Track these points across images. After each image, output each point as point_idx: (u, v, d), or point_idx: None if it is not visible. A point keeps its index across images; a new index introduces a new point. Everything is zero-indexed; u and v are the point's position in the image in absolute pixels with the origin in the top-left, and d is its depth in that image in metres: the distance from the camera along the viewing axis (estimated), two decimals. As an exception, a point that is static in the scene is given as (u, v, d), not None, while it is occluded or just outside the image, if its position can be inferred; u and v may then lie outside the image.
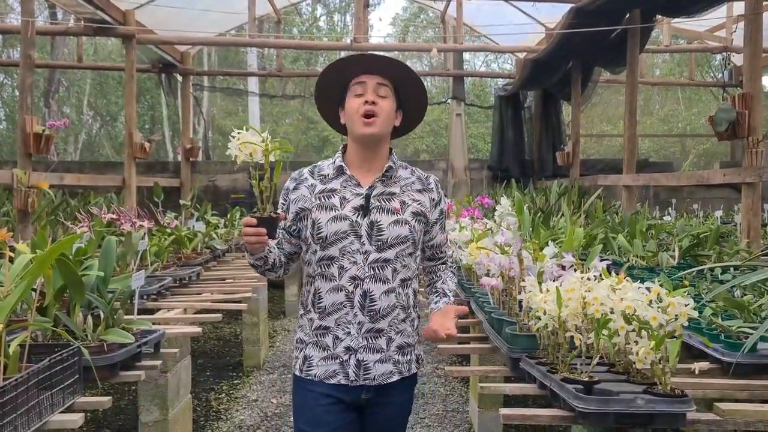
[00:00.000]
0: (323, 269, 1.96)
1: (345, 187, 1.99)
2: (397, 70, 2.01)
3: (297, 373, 2.01)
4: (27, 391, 1.88)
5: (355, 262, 1.93)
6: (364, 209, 1.95)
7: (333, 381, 1.93)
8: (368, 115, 1.94)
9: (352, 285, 1.93)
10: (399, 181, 2.02)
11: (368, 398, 1.96)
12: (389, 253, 1.94)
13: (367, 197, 1.96)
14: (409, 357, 2.02)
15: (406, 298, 2.00)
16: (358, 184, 1.99)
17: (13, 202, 5.51)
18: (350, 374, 1.92)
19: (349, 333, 1.93)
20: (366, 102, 1.94)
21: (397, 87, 2.03)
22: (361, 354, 1.93)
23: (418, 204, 2.01)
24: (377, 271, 1.93)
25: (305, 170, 2.08)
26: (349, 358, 1.93)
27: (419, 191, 2.03)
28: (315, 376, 1.95)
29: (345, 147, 2.07)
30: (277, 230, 1.96)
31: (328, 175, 2.02)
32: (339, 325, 1.94)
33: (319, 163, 2.10)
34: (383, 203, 1.96)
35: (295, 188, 2.04)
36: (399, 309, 1.97)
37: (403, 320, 1.99)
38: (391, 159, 2.03)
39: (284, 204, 2.06)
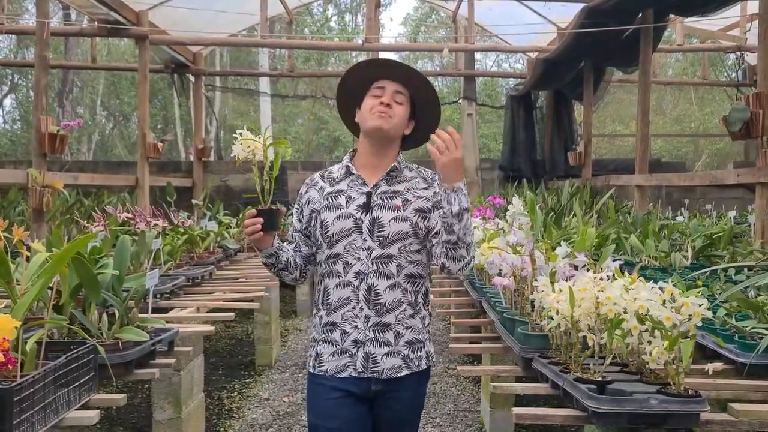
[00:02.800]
0: (330, 266, 2.04)
1: (351, 186, 2.07)
2: (416, 81, 2.08)
3: (310, 369, 2.08)
4: (43, 388, 1.90)
5: (358, 258, 2.00)
6: (366, 206, 2.02)
7: (344, 375, 1.99)
8: (381, 111, 2.01)
9: (357, 280, 2.00)
10: (404, 180, 2.09)
11: (378, 390, 2.00)
12: (392, 249, 2.00)
13: (369, 194, 2.04)
14: (419, 353, 2.06)
15: (414, 294, 2.05)
16: (364, 183, 2.07)
17: (28, 201, 5.56)
18: (358, 366, 1.98)
19: (356, 327, 1.99)
20: (382, 103, 2.02)
21: (414, 97, 2.09)
22: (369, 347, 1.99)
23: (423, 200, 2.05)
24: (381, 267, 1.99)
25: (317, 175, 2.17)
26: (357, 351, 1.99)
27: (424, 188, 2.08)
28: (326, 371, 2.01)
29: (354, 151, 2.16)
30: (278, 222, 2.02)
31: (337, 177, 2.11)
32: (346, 319, 2.01)
33: (330, 167, 2.19)
34: (386, 201, 2.03)
35: (306, 192, 2.13)
36: (406, 304, 2.03)
37: (412, 316, 2.04)
38: (396, 160, 2.10)
39: (299, 209, 2.14)
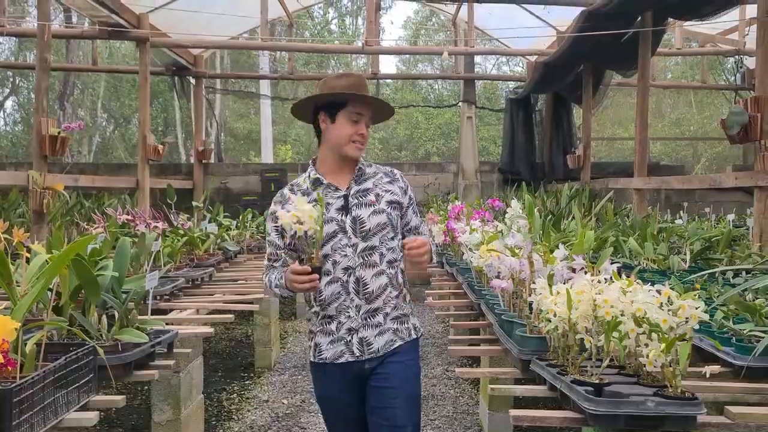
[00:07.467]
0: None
1: (326, 194, 2.25)
2: (382, 107, 2.37)
3: (311, 359, 2.30)
4: (43, 389, 1.90)
5: (345, 255, 2.21)
6: (346, 208, 2.24)
7: (341, 360, 2.22)
8: (359, 143, 2.27)
9: (346, 275, 2.21)
10: (369, 177, 2.33)
11: (372, 366, 2.23)
12: (374, 240, 2.23)
13: (346, 197, 2.26)
14: (407, 325, 2.31)
15: (395, 276, 2.28)
16: (337, 189, 2.28)
17: (28, 203, 5.57)
18: (355, 351, 2.21)
19: (349, 316, 2.22)
20: (362, 135, 2.28)
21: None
22: (362, 332, 2.22)
23: (391, 194, 2.31)
24: (366, 259, 2.22)
25: (285, 190, 2.34)
26: (352, 338, 2.22)
27: (389, 183, 2.34)
28: (326, 359, 2.23)
29: (314, 160, 2.37)
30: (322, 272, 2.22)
31: (307, 188, 2.29)
32: (340, 311, 2.22)
33: (293, 181, 2.38)
34: (360, 199, 2.26)
35: (282, 209, 2.24)
36: (390, 287, 2.26)
37: (396, 296, 2.28)
38: (359, 161, 2.32)
39: (276, 227, 2.26)
